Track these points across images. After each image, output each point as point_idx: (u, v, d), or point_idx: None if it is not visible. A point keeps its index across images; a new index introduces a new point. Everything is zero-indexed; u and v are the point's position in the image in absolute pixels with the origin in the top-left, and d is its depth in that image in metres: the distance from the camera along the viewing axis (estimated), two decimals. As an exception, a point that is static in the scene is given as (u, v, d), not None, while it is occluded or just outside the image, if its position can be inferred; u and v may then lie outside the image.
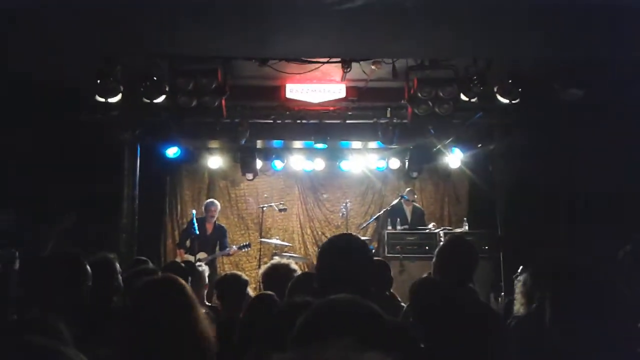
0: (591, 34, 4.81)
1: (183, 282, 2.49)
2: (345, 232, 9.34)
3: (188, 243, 8.65)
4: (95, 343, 2.30)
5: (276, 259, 8.03)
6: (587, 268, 2.84)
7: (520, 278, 4.07)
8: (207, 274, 5.30)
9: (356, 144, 9.59)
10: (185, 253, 8.48)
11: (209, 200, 9.26)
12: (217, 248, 8.77)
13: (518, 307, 3.68)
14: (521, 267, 4.03)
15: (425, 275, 3.87)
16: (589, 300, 2.59)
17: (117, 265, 3.88)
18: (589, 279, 2.72)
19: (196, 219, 8.36)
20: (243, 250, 9.04)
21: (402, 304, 4.40)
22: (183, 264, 4.93)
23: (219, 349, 2.39)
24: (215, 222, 8.97)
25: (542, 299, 3.52)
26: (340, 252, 2.39)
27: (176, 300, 2.35)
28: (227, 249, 8.78)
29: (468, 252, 3.57)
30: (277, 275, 3.95)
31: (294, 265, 4.38)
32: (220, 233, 8.96)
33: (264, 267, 4.59)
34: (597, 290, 2.72)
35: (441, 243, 3.63)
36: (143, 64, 6.12)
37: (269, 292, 3.41)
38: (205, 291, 5.35)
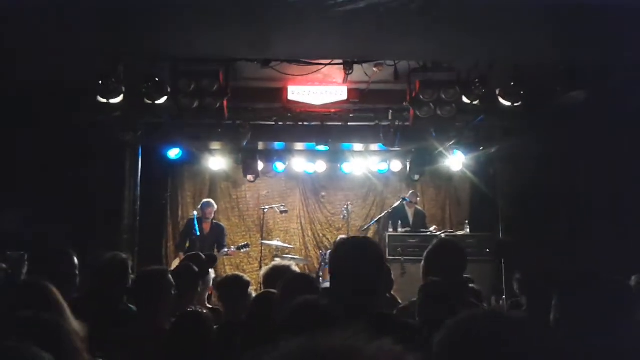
0: (594, 37, 4.81)
1: (49, 287, 2.40)
2: (349, 234, 9.34)
3: (187, 244, 8.65)
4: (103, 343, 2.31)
5: (277, 261, 8.02)
6: (593, 271, 2.83)
7: (516, 281, 4.09)
8: (212, 277, 5.26)
9: (358, 146, 9.58)
10: (183, 254, 8.41)
11: (205, 200, 9.22)
12: (215, 248, 8.73)
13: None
14: (518, 270, 4.03)
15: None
16: (595, 303, 2.58)
17: (130, 265, 3.88)
18: (596, 281, 2.71)
19: (190, 219, 8.35)
20: (242, 251, 9.02)
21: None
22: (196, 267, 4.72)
23: (222, 350, 2.38)
24: (212, 221, 8.95)
25: (538, 301, 3.52)
26: (356, 252, 2.41)
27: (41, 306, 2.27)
28: (226, 249, 8.75)
29: (454, 254, 3.53)
30: (278, 277, 3.93)
31: (295, 267, 4.36)
32: (218, 232, 8.92)
33: (264, 269, 4.57)
34: (603, 292, 2.71)
35: (429, 246, 3.58)
36: (145, 64, 6.12)
37: (272, 291, 3.39)
38: (207, 294, 5.32)
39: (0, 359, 1.37)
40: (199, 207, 9.12)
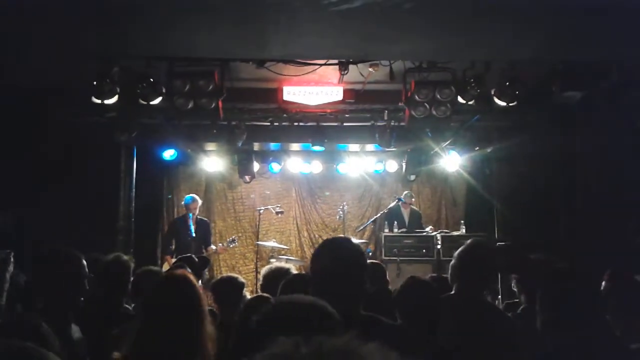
0: (590, 36, 4.81)
1: (193, 279, 2.45)
2: (341, 235, 9.31)
3: (173, 246, 8.57)
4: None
5: (272, 261, 7.97)
6: (579, 269, 2.84)
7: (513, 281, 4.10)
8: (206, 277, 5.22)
9: (353, 147, 9.57)
10: (172, 257, 8.27)
11: (188, 195, 9.02)
12: (202, 247, 8.59)
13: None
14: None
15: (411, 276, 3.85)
16: (580, 302, 2.59)
17: (132, 266, 3.83)
18: (580, 280, 2.72)
19: (178, 218, 8.25)
20: (230, 245, 8.95)
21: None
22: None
23: (216, 352, 2.36)
24: (197, 217, 8.79)
25: (530, 300, 3.53)
26: (333, 254, 2.38)
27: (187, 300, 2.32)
28: (214, 247, 8.70)
29: (489, 257, 3.54)
30: (280, 278, 3.91)
31: (295, 271, 4.35)
32: (204, 229, 8.82)
33: (265, 268, 4.55)
34: (588, 291, 2.72)
35: (463, 246, 3.55)
36: (140, 65, 6.09)
37: (266, 295, 3.38)
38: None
39: (8, 357, 1.36)
40: (183, 203, 8.94)
